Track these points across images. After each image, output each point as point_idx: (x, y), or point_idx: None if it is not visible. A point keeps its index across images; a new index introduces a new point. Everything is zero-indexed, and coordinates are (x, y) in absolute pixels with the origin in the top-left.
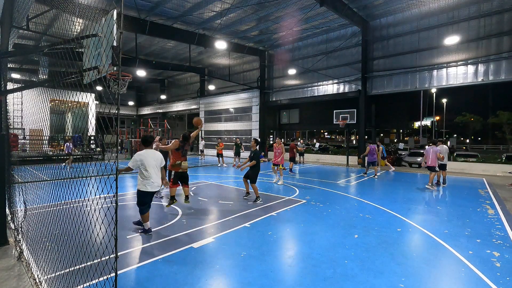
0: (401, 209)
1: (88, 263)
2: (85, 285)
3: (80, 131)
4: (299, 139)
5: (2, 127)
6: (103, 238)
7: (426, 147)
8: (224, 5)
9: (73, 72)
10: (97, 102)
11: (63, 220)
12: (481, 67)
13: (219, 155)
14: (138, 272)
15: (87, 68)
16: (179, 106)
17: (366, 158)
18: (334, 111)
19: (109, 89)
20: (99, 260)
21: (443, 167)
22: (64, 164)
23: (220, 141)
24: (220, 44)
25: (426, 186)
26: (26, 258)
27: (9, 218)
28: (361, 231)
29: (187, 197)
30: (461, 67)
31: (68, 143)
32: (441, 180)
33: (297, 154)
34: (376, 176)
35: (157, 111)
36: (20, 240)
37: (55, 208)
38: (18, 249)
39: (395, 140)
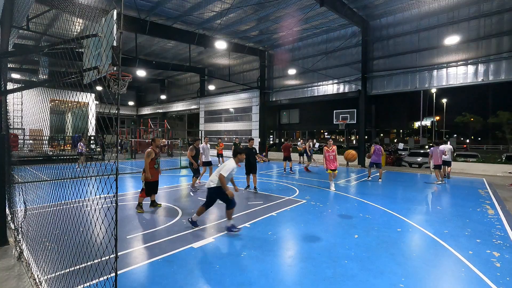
0: (401, 209)
1: (88, 263)
2: (85, 285)
3: (80, 131)
4: (300, 139)
5: (2, 127)
6: (103, 238)
7: (431, 148)
8: (224, 5)
9: (73, 72)
10: (97, 102)
11: (63, 220)
12: (481, 67)
13: (219, 155)
14: (138, 272)
15: (87, 68)
16: (179, 106)
17: (370, 159)
18: (334, 111)
19: (109, 89)
20: (99, 260)
21: (448, 163)
22: (77, 164)
23: (220, 141)
24: (220, 44)
25: (436, 182)
26: (26, 258)
27: (9, 218)
28: (361, 231)
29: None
30: (461, 67)
31: (81, 143)
32: (446, 175)
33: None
34: (380, 180)
35: (157, 111)
36: (20, 240)
37: (55, 208)
38: (18, 249)
39: (395, 140)
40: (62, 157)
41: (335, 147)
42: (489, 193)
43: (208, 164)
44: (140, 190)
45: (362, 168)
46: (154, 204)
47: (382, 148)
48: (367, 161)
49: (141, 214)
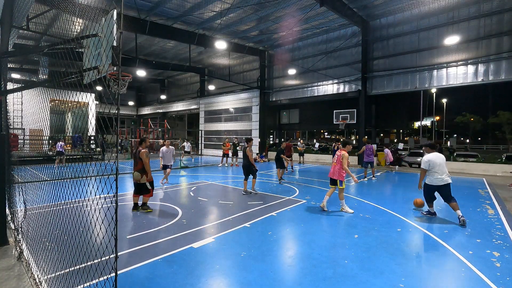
0: (401, 209)
1: (88, 263)
2: (85, 285)
3: (80, 131)
4: (299, 139)
5: (2, 127)
6: (103, 238)
7: (385, 149)
8: (224, 5)
9: (73, 72)
10: (97, 102)
11: (63, 220)
12: (481, 67)
13: (225, 155)
14: (138, 272)
15: (87, 68)
16: (179, 106)
17: (363, 159)
18: (334, 111)
19: (109, 89)
20: (99, 260)
21: None
22: (55, 165)
23: (227, 141)
24: (220, 44)
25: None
26: (26, 258)
27: (9, 218)
28: (361, 231)
29: (143, 205)
30: (461, 67)
31: (60, 143)
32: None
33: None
34: (374, 178)
35: (157, 111)
36: (20, 240)
37: (55, 208)
38: (18, 249)
39: (395, 140)
40: (55, 157)
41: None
42: (489, 193)
43: (166, 167)
44: (143, 192)
45: (362, 168)
46: (137, 207)
47: (374, 147)
48: None
49: (141, 214)
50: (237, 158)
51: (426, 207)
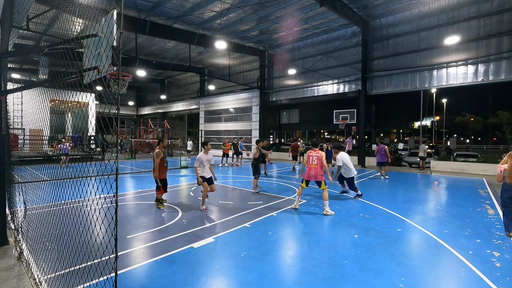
0: (401, 209)
1: (88, 263)
2: (85, 285)
3: (80, 131)
4: (299, 139)
5: (2, 127)
6: (103, 238)
7: (347, 140)
8: (224, 5)
9: (73, 72)
10: (97, 102)
11: (63, 220)
12: (481, 67)
13: (225, 155)
14: (138, 272)
15: (87, 68)
16: (179, 106)
17: (376, 159)
18: (334, 111)
19: (109, 89)
20: (99, 260)
21: (423, 158)
22: (60, 165)
23: (227, 141)
24: (220, 44)
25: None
26: (26, 258)
27: (9, 218)
28: (361, 231)
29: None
30: (461, 67)
31: (62, 145)
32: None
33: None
34: (384, 177)
35: (157, 111)
36: (20, 240)
37: (55, 208)
38: (18, 249)
39: (395, 140)
40: (55, 157)
41: (322, 154)
42: (489, 193)
43: (211, 182)
44: (156, 188)
45: (362, 168)
46: (162, 202)
47: (386, 147)
48: (367, 161)
49: (141, 214)
50: (237, 158)
51: (341, 189)
